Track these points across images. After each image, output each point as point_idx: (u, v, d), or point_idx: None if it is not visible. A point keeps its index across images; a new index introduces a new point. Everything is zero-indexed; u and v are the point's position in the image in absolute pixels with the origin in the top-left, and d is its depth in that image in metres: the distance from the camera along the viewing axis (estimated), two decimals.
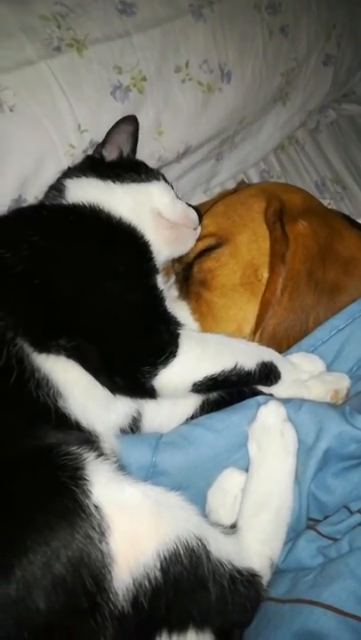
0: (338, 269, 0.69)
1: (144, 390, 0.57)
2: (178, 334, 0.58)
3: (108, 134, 0.74)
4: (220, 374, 0.58)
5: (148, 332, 0.57)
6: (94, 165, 0.70)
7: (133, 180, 0.68)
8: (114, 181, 0.67)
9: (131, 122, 0.76)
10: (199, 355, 0.58)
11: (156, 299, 0.61)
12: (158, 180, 0.71)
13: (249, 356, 0.60)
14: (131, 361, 0.57)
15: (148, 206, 0.67)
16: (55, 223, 0.62)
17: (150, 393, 0.57)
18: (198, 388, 0.58)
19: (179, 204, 0.71)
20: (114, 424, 0.60)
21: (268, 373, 0.60)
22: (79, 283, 0.57)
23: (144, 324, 0.58)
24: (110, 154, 0.72)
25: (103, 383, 0.57)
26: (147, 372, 0.56)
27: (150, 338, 0.57)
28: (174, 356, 0.56)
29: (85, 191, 0.66)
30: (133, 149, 0.76)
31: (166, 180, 0.73)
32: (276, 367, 0.61)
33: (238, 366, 0.58)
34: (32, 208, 0.71)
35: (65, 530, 0.43)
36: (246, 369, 0.59)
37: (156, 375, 0.56)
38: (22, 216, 0.65)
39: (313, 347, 0.65)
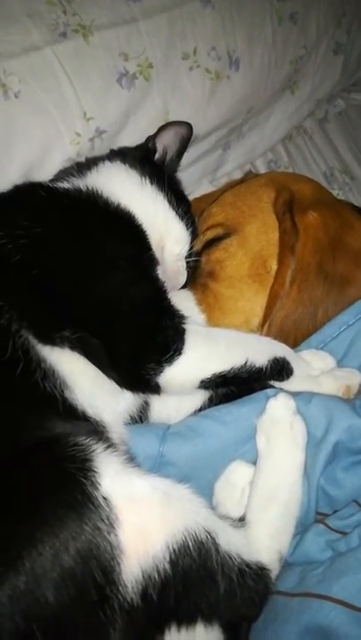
0: (348, 261, 0.68)
1: (148, 387, 0.56)
2: (184, 330, 0.56)
3: (160, 130, 0.73)
4: (229, 371, 0.56)
5: (152, 327, 0.56)
6: (147, 159, 0.69)
7: (171, 204, 0.68)
8: (157, 188, 0.67)
9: (185, 127, 0.75)
10: (207, 352, 0.57)
11: (159, 291, 0.59)
12: (187, 227, 0.69)
13: (260, 351, 0.59)
14: (134, 357, 0.55)
15: (159, 232, 0.66)
16: (50, 207, 0.59)
17: (155, 389, 0.56)
18: (206, 384, 0.57)
19: (181, 261, 0.69)
20: (122, 412, 0.59)
21: (281, 369, 0.59)
22: (74, 273, 0.56)
23: (148, 319, 0.56)
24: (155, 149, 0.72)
25: (109, 376, 0.56)
26: (151, 369, 0.54)
27: (155, 333, 0.55)
28: (180, 353, 0.55)
29: (114, 182, 0.64)
30: (179, 156, 0.75)
31: (195, 230, 0.72)
32: (288, 363, 0.59)
33: (249, 363, 0.57)
34: (30, 187, 0.65)
35: (74, 521, 0.43)
36: (257, 365, 0.57)
37: (161, 372, 0.54)
38: (17, 197, 0.62)
39: (323, 343, 0.64)
